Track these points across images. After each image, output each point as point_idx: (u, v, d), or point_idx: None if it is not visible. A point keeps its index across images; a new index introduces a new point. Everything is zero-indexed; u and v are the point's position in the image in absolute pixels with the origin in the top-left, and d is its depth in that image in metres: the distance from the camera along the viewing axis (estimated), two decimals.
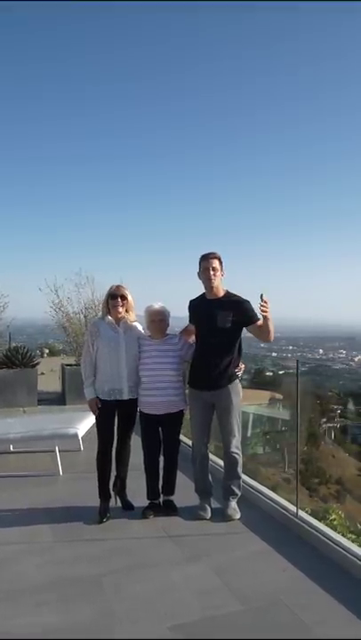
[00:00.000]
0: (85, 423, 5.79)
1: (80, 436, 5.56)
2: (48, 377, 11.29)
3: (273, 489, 4.69)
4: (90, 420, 5.98)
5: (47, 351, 17.91)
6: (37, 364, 10.05)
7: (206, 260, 4.18)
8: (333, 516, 5.26)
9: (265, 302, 3.83)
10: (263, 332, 4.01)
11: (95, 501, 4.51)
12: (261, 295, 3.80)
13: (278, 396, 9.73)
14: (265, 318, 3.91)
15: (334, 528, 3.91)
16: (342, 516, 6.68)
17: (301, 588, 3.20)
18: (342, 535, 3.78)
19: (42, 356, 15.57)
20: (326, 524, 4.01)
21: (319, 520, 4.03)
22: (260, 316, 3.98)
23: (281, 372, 11.53)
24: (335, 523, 5.08)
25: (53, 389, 10.39)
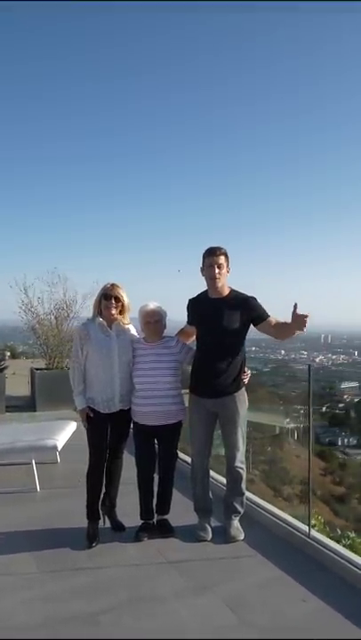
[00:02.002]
0: (65, 434, 5.34)
1: (59, 448, 5.10)
2: (11, 380, 10.67)
3: None
4: (69, 430, 5.55)
5: (9, 353, 17.29)
6: (6, 367, 9.49)
7: (212, 256, 3.79)
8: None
9: (306, 316, 3.51)
10: (283, 332, 3.71)
11: (81, 522, 4.07)
12: (296, 305, 3.50)
13: None
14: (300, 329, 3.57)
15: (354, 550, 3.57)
16: (322, 520, 6.45)
17: (328, 623, 2.85)
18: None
19: (3, 358, 14.98)
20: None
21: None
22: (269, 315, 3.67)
23: None
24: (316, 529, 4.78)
25: (22, 394, 9.81)
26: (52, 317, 9.12)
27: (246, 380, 3.87)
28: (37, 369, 9.11)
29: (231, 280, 3.89)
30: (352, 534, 5.69)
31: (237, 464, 3.85)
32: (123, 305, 3.89)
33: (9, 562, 3.59)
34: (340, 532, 6.06)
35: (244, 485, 3.92)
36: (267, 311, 3.78)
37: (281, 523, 3.92)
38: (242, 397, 3.85)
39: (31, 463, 5.12)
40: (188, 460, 4.38)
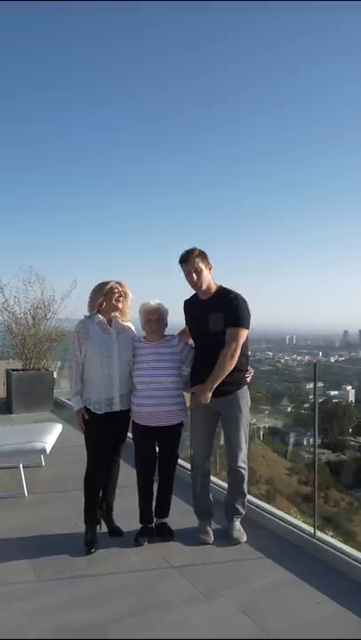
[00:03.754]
0: (52, 436, 5.14)
1: (48, 450, 4.90)
2: None
3: None
4: (56, 432, 5.36)
5: None
6: None
7: (186, 262, 3.66)
8: None
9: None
10: (223, 349, 3.56)
11: (75, 527, 3.95)
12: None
13: None
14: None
15: None
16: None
17: (347, 626, 2.78)
18: None
19: None
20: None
21: None
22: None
23: None
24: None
25: None
26: (29, 317, 8.85)
27: (249, 379, 3.78)
28: (13, 370, 8.83)
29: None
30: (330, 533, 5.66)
31: (240, 464, 3.76)
32: (127, 302, 3.79)
33: (4, 571, 3.39)
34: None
35: (245, 486, 3.83)
36: (242, 321, 3.59)
37: (284, 524, 3.85)
38: (244, 396, 3.76)
39: (16, 467, 4.93)
40: (182, 463, 4.30)
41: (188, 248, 3.70)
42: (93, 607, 2.98)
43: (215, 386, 3.56)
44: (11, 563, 3.50)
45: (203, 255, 3.68)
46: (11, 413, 8.51)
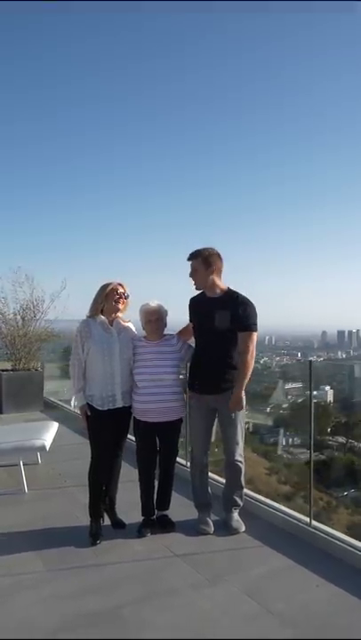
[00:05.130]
0: (50, 434, 5.25)
1: (47, 447, 5.01)
2: None
3: None
4: (53, 430, 5.47)
5: None
6: None
7: (189, 260, 3.94)
8: None
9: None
10: (240, 354, 3.81)
11: (77, 521, 4.09)
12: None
13: None
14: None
15: None
16: None
17: (346, 605, 2.96)
18: None
19: None
20: None
21: None
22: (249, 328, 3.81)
23: None
24: None
25: None
26: (19, 317, 8.91)
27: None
28: (3, 370, 8.89)
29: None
30: None
31: (237, 458, 3.93)
32: (126, 303, 3.94)
33: (13, 562, 3.50)
34: None
35: (243, 479, 4.00)
36: (254, 325, 3.82)
37: (280, 514, 4.02)
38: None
39: (13, 464, 5.04)
40: (180, 460, 4.46)
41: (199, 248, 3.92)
42: (104, 594, 3.11)
43: (243, 388, 3.79)
44: (19, 554, 3.62)
45: (205, 257, 3.87)
46: (1, 413, 8.57)
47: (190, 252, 3.93)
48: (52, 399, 9.17)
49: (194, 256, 3.89)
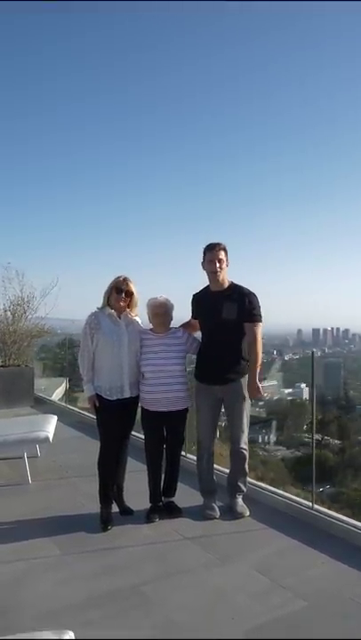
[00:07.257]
0: (51, 427, 5.36)
1: (51, 439, 5.13)
2: None
3: None
4: (53, 423, 5.58)
5: None
6: None
7: (212, 251, 4.05)
8: None
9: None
10: (250, 352, 4.02)
11: (85, 509, 4.25)
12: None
13: None
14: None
15: None
16: None
17: (351, 580, 3.17)
18: None
19: None
20: None
21: None
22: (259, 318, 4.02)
23: None
24: None
25: None
26: (9, 314, 8.96)
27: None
28: None
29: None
30: None
31: (242, 445, 4.12)
32: (132, 299, 4.06)
33: (29, 548, 3.63)
34: None
35: (247, 466, 4.18)
36: (260, 316, 4.04)
37: (283, 499, 4.22)
38: (246, 384, 4.11)
39: (16, 457, 5.16)
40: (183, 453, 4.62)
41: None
42: (122, 574, 3.26)
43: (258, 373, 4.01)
44: (33, 541, 3.74)
45: (226, 251, 4.09)
46: None
47: (211, 243, 4.08)
48: (42, 395, 9.24)
49: (223, 248, 4.07)
